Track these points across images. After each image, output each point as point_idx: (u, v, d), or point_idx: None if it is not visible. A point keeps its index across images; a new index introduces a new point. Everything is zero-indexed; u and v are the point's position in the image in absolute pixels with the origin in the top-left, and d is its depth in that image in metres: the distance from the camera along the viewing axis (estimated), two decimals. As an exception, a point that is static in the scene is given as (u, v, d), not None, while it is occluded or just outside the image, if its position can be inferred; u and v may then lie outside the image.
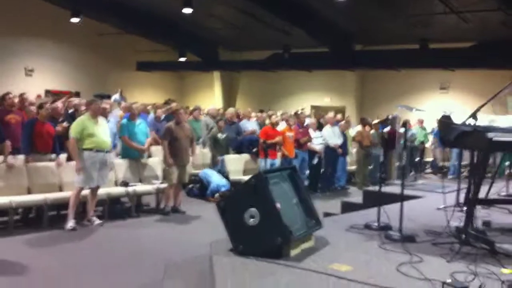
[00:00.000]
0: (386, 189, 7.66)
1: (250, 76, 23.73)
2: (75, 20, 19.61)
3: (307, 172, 11.32)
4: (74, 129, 7.28)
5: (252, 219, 3.70)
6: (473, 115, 3.84)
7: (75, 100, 12.66)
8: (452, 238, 4.23)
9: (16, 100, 9.40)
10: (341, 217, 5.96)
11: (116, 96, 19.28)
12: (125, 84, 21.99)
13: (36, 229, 7.23)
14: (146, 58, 22.96)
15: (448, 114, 4.03)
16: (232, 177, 10.26)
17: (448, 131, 2.85)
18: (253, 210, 3.70)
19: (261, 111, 15.64)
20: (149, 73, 24.05)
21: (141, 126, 9.19)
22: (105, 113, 8.26)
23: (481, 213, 5.36)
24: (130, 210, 8.50)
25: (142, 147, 8.99)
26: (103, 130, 7.53)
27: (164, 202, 8.68)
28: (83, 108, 8.99)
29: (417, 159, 14.02)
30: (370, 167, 12.53)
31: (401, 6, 16.10)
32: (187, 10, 17.07)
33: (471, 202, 4.19)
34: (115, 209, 8.37)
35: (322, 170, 11.77)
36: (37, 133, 7.67)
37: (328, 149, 11.71)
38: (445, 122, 3.86)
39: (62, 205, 7.71)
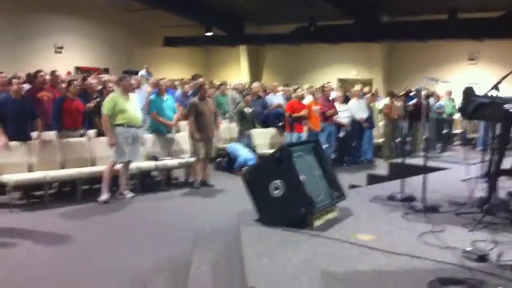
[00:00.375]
0: (412, 161, 7.75)
1: (276, 50, 23.68)
2: (102, -4, 19.87)
3: (334, 145, 11.40)
4: (106, 106, 7.48)
5: (276, 191, 3.82)
6: (495, 87, 3.87)
7: (104, 77, 12.97)
8: (475, 208, 4.28)
9: (48, 77, 9.70)
10: (365, 189, 6.04)
11: (142, 72, 19.54)
12: (152, 60, 22.22)
13: (70, 202, 7.50)
14: (173, 34, 23.09)
15: (471, 86, 4.07)
16: (259, 151, 10.39)
17: (467, 103, 2.90)
18: (277, 182, 3.81)
19: (287, 85, 15.63)
20: (176, 48, 24.21)
21: (168, 102, 9.35)
22: (132, 89, 8.42)
23: (506, 184, 5.39)
24: (160, 184, 8.72)
25: (170, 123, 9.16)
26: (134, 106, 7.72)
27: (193, 176, 8.86)
28: (110, 84, 9.21)
29: (445, 131, 13.91)
30: (398, 140, 12.49)
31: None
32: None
33: (493, 173, 4.23)
34: (146, 183, 8.60)
35: (349, 143, 11.82)
36: (67, 110, 7.90)
37: (355, 122, 11.72)
38: (466, 93, 3.89)
39: (94, 179, 7.98)
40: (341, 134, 11.51)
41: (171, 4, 21.24)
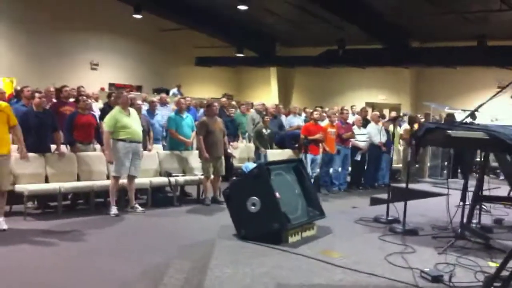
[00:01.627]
0: (416, 186, 7.84)
1: (306, 72, 23.91)
2: (137, 16, 20.52)
3: (349, 168, 11.50)
4: (107, 123, 7.78)
5: (253, 207, 4.00)
6: (472, 114, 3.99)
7: (130, 95, 13.39)
8: (452, 232, 4.36)
9: (74, 92, 10.17)
10: (357, 210, 6.14)
11: (174, 91, 20.06)
12: (184, 79, 22.76)
13: (83, 214, 7.79)
14: (205, 54, 23.60)
15: (452, 111, 4.18)
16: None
17: (420, 129, 3.03)
18: (254, 198, 3.99)
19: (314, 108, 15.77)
20: (207, 68, 24.68)
21: (187, 120, 9.62)
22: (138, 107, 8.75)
23: (500, 211, 5.44)
24: (173, 200, 8.96)
25: (188, 140, 9.39)
26: (135, 122, 7.99)
27: (204, 193, 9.08)
28: (139, 102, 9.58)
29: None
30: (417, 165, 12.48)
31: (456, 2, 15.86)
32: (242, 7, 17.52)
33: (473, 199, 4.32)
34: (158, 198, 8.86)
35: (365, 167, 11.89)
36: (78, 124, 8.19)
37: (372, 146, 11.78)
38: (447, 119, 4.01)
39: (108, 192, 8.26)
40: (358, 157, 11.59)
41: (204, 24, 21.75)
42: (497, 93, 4.26)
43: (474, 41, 17.69)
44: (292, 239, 4.02)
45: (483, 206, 5.69)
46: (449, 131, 2.69)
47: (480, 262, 3.64)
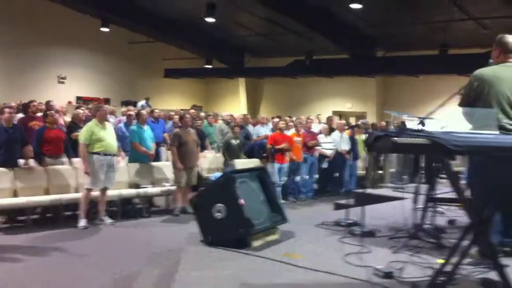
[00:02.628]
0: (378, 191, 8.15)
1: (274, 82, 24.25)
2: (105, 29, 20.57)
3: (316, 176, 11.78)
4: (83, 135, 7.91)
5: (219, 213, 4.19)
6: (421, 122, 4.26)
7: (108, 108, 13.46)
8: (407, 233, 4.62)
9: (42, 107, 10.20)
10: (319, 215, 6.34)
11: (142, 103, 20.11)
12: (153, 91, 22.88)
13: (51, 227, 7.86)
14: (174, 65, 23.74)
15: (411, 119, 4.46)
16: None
17: (370, 136, 3.27)
18: (220, 205, 4.19)
19: (279, 117, 16.05)
20: (176, 79, 24.82)
21: (148, 131, 9.72)
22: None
23: (454, 213, 5.74)
24: (142, 211, 9.08)
25: (151, 153, 9.48)
26: (110, 135, 8.14)
27: (173, 204, 9.22)
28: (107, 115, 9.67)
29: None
30: (381, 172, 12.83)
31: (420, 12, 16.35)
32: (210, 20, 17.74)
33: (425, 201, 4.60)
34: (127, 210, 8.97)
35: (332, 174, 12.19)
36: (47, 139, 8.29)
37: (338, 154, 12.09)
38: (399, 127, 4.28)
39: (77, 205, 8.33)
40: (324, 165, 11.89)
41: (172, 36, 21.93)
42: (445, 101, 4.55)
43: (436, 50, 18.30)
44: (256, 244, 4.22)
45: (438, 208, 6.02)
46: (395, 138, 2.93)
47: (430, 260, 3.89)
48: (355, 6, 14.46)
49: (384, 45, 19.75)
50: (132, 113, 10.41)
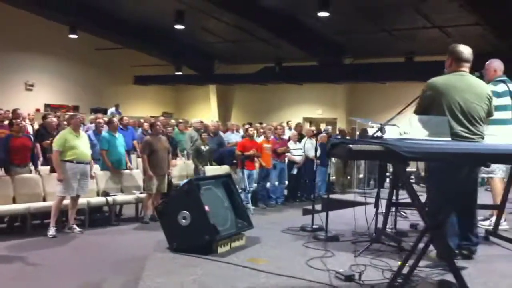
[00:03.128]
0: (345, 196, 8.32)
1: (245, 89, 24.32)
2: (73, 36, 20.40)
3: (286, 182, 11.90)
4: (56, 142, 7.88)
5: (184, 220, 4.26)
6: (381, 129, 4.41)
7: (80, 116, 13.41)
8: (370, 237, 4.75)
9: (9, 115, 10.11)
10: (286, 221, 6.45)
11: (112, 110, 20.01)
12: (123, 98, 22.73)
13: (19, 236, 7.80)
14: (143, 72, 23.63)
15: (374, 125, 4.60)
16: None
17: (327, 143, 3.38)
18: (185, 212, 4.25)
19: (250, 124, 16.18)
20: (146, 86, 24.71)
21: (120, 139, 9.74)
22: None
23: (417, 217, 5.89)
24: (110, 219, 9.05)
25: (114, 170, 9.48)
26: (84, 143, 8.12)
27: (143, 211, 9.22)
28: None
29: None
30: (349, 177, 13.03)
31: (385, 20, 16.67)
32: (179, 27, 17.77)
33: (386, 206, 4.73)
34: (96, 218, 8.94)
35: (301, 180, 12.33)
36: (13, 147, 8.21)
37: (307, 160, 12.23)
38: (360, 134, 4.40)
39: (45, 213, 8.29)
40: (294, 171, 12.02)
41: (141, 43, 21.83)
42: (403, 108, 4.71)
43: (402, 57, 18.67)
44: (221, 250, 4.29)
45: (402, 213, 6.18)
46: (350, 145, 3.04)
47: (391, 263, 4.01)
48: (323, 14, 14.67)
49: (352, 52, 20.04)
50: (101, 120, 10.37)
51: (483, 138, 4.15)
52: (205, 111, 24.67)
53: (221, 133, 13.88)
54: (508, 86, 5.66)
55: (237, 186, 10.45)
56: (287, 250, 4.49)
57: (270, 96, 23.21)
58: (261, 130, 12.65)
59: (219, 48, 22.13)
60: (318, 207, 8.36)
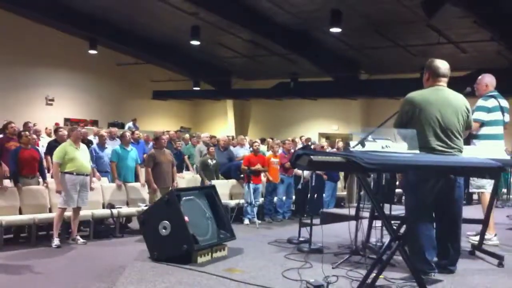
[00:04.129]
0: (342, 211, 8.35)
1: (261, 104, 24.50)
2: (93, 52, 20.84)
3: (293, 196, 11.92)
4: (56, 154, 8.06)
5: (164, 230, 4.35)
6: (361, 142, 4.44)
7: (82, 129, 13.68)
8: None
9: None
10: (275, 233, 6.51)
11: (129, 124, 20.33)
12: (141, 112, 23.10)
13: (25, 246, 7.98)
14: (162, 87, 24.00)
15: (350, 141, 4.64)
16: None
17: (292, 155, 3.45)
18: (165, 222, 4.34)
19: (263, 139, 16.28)
20: (165, 101, 25.04)
21: (131, 153, 9.94)
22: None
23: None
24: (115, 231, 9.18)
25: (118, 183, 9.64)
26: (84, 155, 8.29)
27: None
28: (89, 136, 9.86)
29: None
30: (362, 193, 12.97)
31: (398, 35, 16.71)
32: (195, 42, 18.05)
33: (369, 218, 4.76)
34: (100, 230, 9.08)
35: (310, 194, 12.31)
36: (22, 159, 8.43)
37: (316, 175, 12.22)
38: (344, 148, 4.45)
39: (51, 224, 8.44)
40: (299, 186, 12.03)
41: (160, 59, 22.21)
42: (386, 120, 4.75)
43: (417, 73, 18.61)
44: (201, 259, 4.36)
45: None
46: (311, 156, 3.10)
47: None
48: (335, 30, 14.77)
49: (367, 68, 20.09)
50: (104, 133, 10.60)
51: (461, 151, 4.17)
52: (222, 125, 24.89)
53: (231, 147, 13.99)
54: (498, 101, 5.66)
55: (243, 200, 10.66)
56: (267, 261, 4.54)
57: (286, 111, 23.34)
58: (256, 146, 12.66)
59: (236, 63, 22.40)
60: (315, 220, 8.41)
